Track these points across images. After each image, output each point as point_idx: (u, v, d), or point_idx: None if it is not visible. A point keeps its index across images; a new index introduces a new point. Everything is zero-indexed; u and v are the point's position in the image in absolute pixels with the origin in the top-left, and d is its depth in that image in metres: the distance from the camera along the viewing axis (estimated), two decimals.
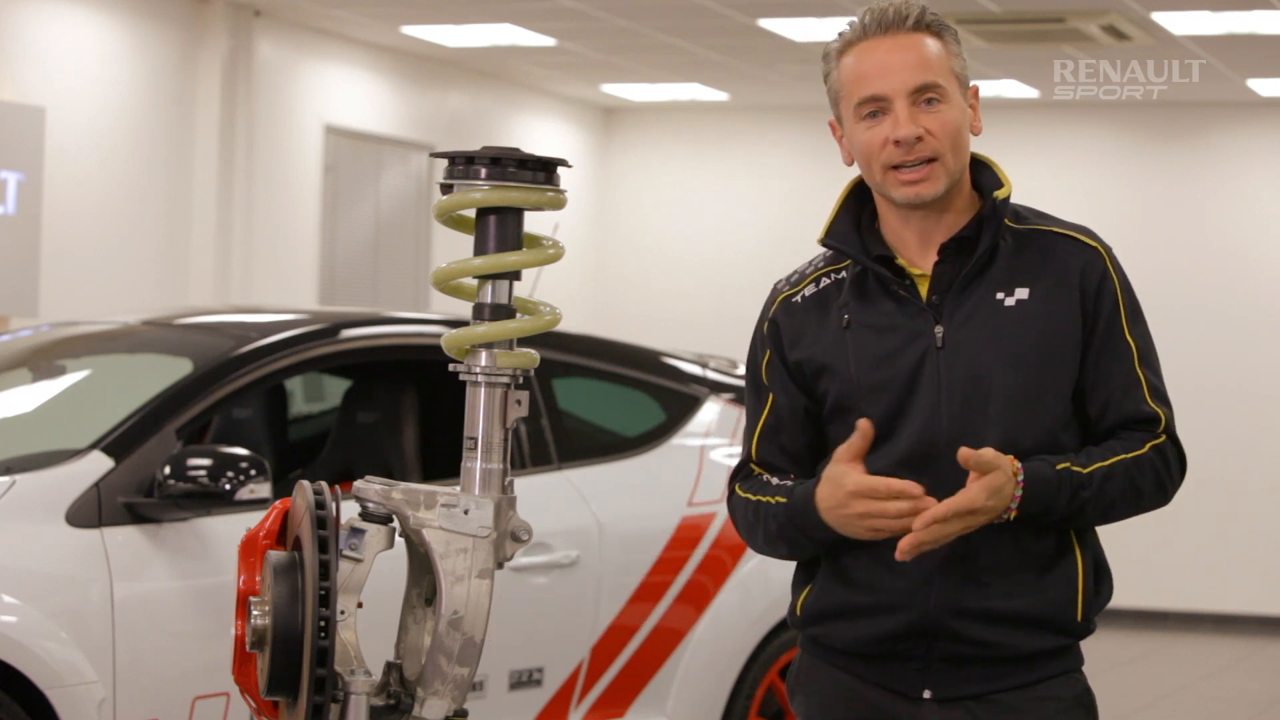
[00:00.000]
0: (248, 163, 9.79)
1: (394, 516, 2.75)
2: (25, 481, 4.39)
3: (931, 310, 2.75)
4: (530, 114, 12.42)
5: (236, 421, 5.69)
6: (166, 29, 9.49)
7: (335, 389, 6.03)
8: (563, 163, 2.78)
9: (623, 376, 5.56)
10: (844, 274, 2.83)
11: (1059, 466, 2.68)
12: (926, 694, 2.76)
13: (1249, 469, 11.66)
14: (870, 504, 2.64)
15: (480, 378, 2.76)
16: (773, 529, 2.78)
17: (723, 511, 5.19)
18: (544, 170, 2.76)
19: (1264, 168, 11.93)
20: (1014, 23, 9.39)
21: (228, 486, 4.42)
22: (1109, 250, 2.79)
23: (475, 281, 2.79)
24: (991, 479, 2.63)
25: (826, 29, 9.61)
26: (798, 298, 2.85)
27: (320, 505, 2.65)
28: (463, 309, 2.90)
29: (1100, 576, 2.80)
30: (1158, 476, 2.75)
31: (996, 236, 2.76)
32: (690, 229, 12.99)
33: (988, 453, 2.63)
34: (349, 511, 2.73)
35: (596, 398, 5.60)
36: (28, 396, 5.20)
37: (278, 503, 2.82)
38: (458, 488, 2.76)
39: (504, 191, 2.73)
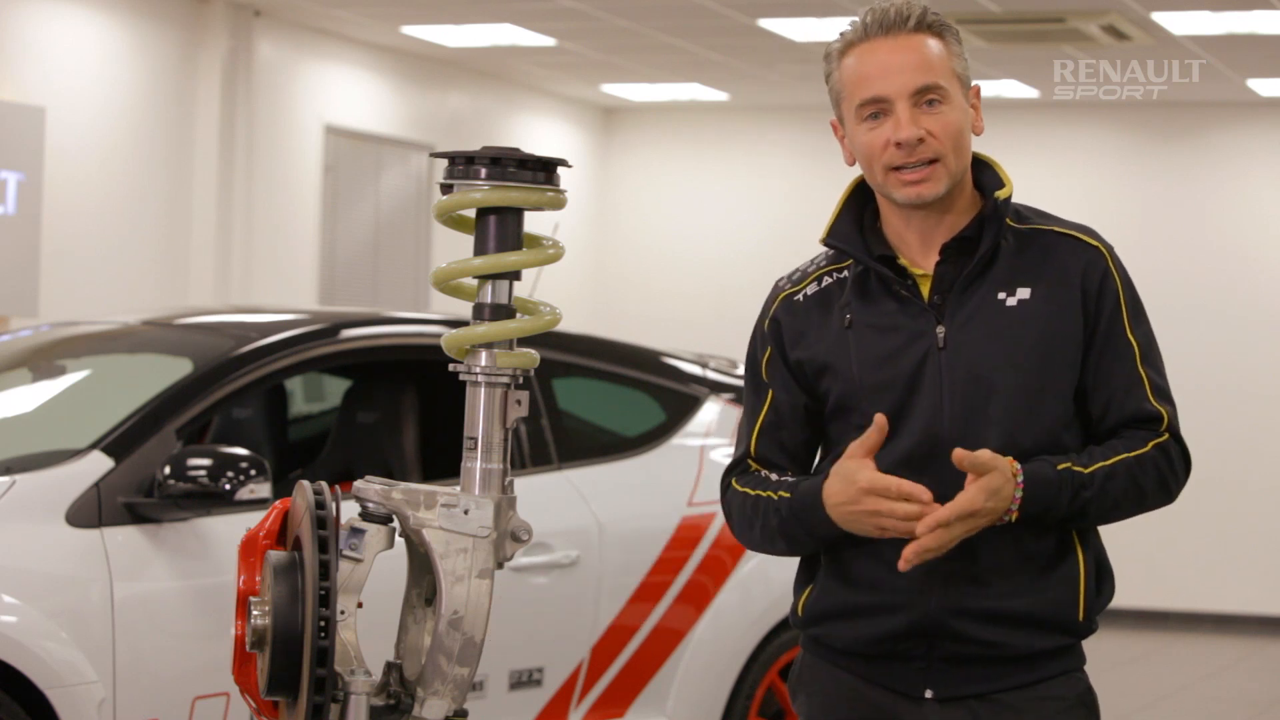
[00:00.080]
0: (248, 163, 9.79)
1: (394, 516, 2.75)
2: (25, 481, 4.39)
3: (933, 310, 2.75)
4: (530, 114, 12.42)
5: (236, 421, 5.69)
6: (166, 29, 9.49)
7: (335, 389, 6.03)
8: (563, 163, 2.78)
9: (623, 376, 5.56)
10: (846, 273, 2.83)
11: (1060, 467, 2.68)
12: (928, 694, 2.76)
13: (1249, 469, 11.66)
14: (881, 502, 2.64)
15: (480, 378, 2.76)
16: (773, 524, 2.78)
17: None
18: (544, 170, 2.75)
19: (1264, 168, 11.93)
20: (1014, 23, 9.39)
21: (228, 486, 4.41)
22: (1110, 249, 2.79)
23: (475, 281, 2.79)
24: (989, 480, 2.63)
25: (826, 29, 9.61)
26: (799, 296, 2.85)
27: (320, 505, 2.65)
28: (463, 309, 2.90)
29: (1102, 576, 2.80)
30: (1161, 475, 2.75)
31: (998, 236, 2.76)
32: (690, 229, 12.99)
33: (984, 454, 2.63)
34: (349, 511, 2.73)
35: (596, 398, 5.60)
36: (28, 396, 5.20)
37: (278, 503, 2.82)
38: (458, 488, 2.75)
39: (504, 191, 2.73)
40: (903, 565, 2.64)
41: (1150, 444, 2.74)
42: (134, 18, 9.30)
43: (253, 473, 4.45)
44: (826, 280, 2.84)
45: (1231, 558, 11.71)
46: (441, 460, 5.34)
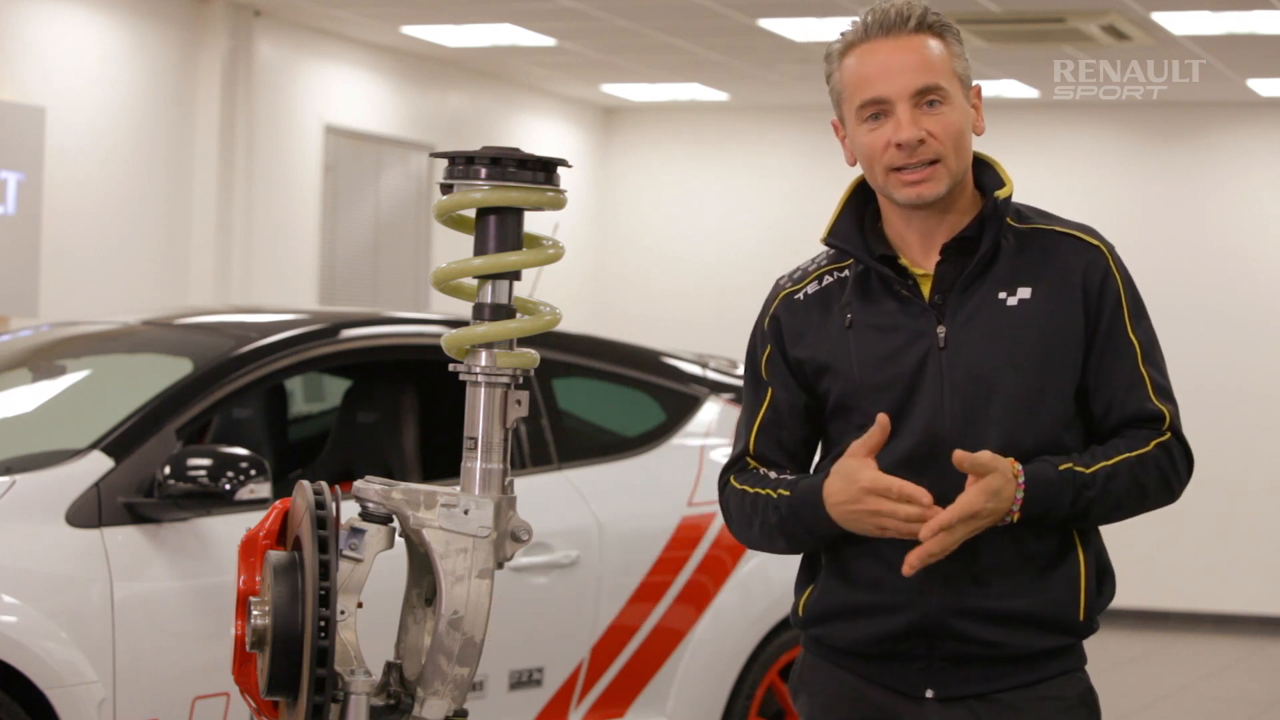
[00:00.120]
0: (248, 163, 9.79)
1: (394, 516, 2.75)
2: (25, 481, 4.39)
3: (934, 310, 2.75)
4: (530, 114, 12.42)
5: (236, 421, 5.69)
6: (166, 29, 9.49)
7: (335, 389, 6.03)
8: (563, 163, 2.78)
9: (623, 376, 5.55)
10: (847, 273, 2.83)
11: (1061, 467, 2.68)
12: (929, 693, 2.76)
13: (1249, 469, 11.66)
14: (882, 503, 2.64)
15: (480, 378, 2.76)
16: (772, 521, 2.78)
17: None
18: (544, 170, 2.75)
19: (1264, 168, 11.93)
20: (1014, 23, 9.39)
21: (228, 486, 4.41)
22: (1111, 248, 2.79)
23: (475, 281, 2.79)
24: (988, 481, 2.63)
25: (826, 29, 9.61)
26: (800, 295, 2.85)
27: (320, 505, 2.65)
28: (463, 309, 2.90)
29: (1103, 576, 2.80)
30: (1163, 474, 2.75)
31: (998, 236, 2.76)
32: (690, 229, 12.99)
33: (984, 455, 2.63)
34: (349, 511, 2.73)
35: (596, 398, 5.60)
36: (28, 396, 5.20)
37: (278, 503, 2.81)
38: (458, 488, 2.75)
39: (504, 191, 2.73)
40: (907, 570, 2.64)
41: (1152, 443, 2.74)
42: (134, 18, 9.30)
43: (253, 473, 4.45)
44: (827, 279, 2.84)
45: (1231, 558, 11.71)
46: (441, 460, 5.34)
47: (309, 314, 5.23)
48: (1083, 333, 2.74)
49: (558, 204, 2.77)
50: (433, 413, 5.45)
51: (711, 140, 13.00)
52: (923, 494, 2.63)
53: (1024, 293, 2.74)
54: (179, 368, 4.79)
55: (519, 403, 2.78)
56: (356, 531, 2.73)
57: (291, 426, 6.01)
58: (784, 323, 2.84)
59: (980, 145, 2.83)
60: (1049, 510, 2.68)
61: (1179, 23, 9.32)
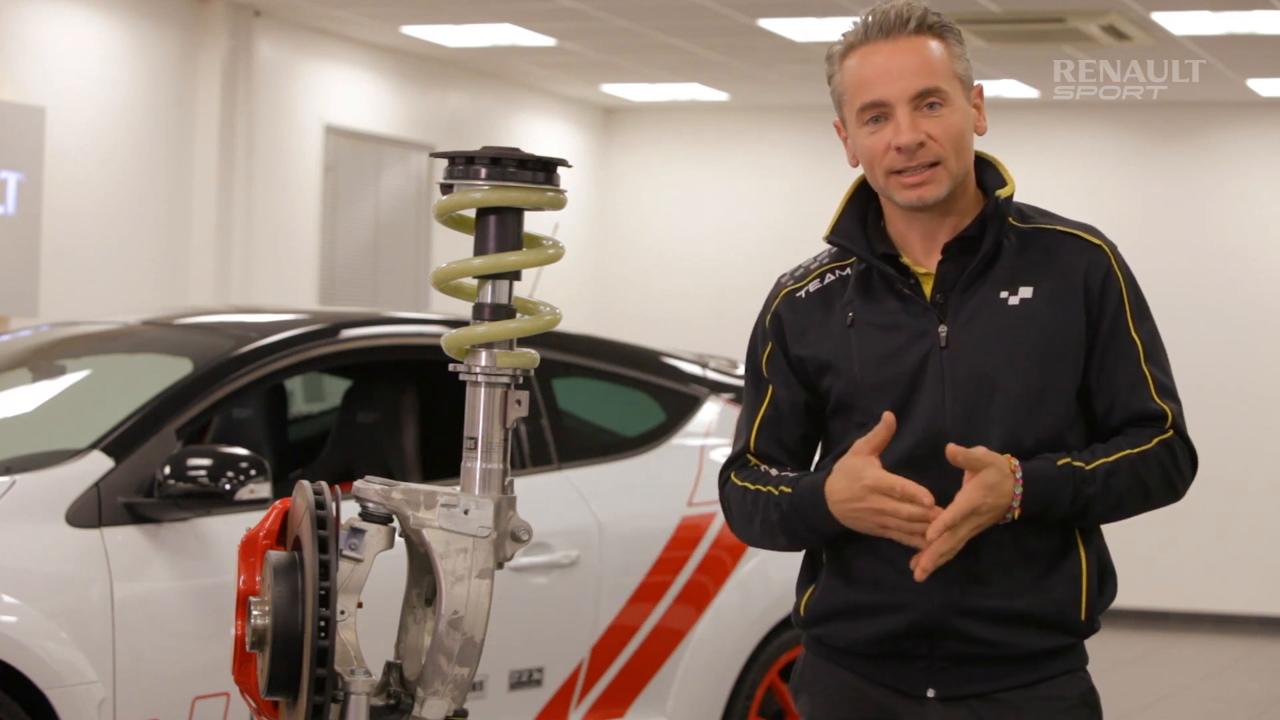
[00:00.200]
0: (248, 163, 9.79)
1: (394, 516, 2.75)
2: (25, 481, 4.39)
3: (935, 309, 2.75)
4: (530, 114, 12.42)
5: (236, 421, 5.69)
6: (166, 29, 9.49)
7: (335, 389, 6.03)
8: (563, 163, 2.78)
9: (623, 376, 5.55)
10: (849, 271, 2.83)
11: (1060, 463, 2.68)
12: (930, 693, 2.76)
13: (1249, 469, 11.66)
14: (885, 501, 2.64)
15: (480, 378, 2.76)
16: (773, 519, 2.78)
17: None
18: (544, 170, 2.75)
19: (1264, 168, 11.93)
20: (1014, 23, 9.39)
21: (228, 486, 4.41)
22: (1113, 248, 2.79)
23: (475, 281, 2.79)
24: (984, 476, 2.63)
25: (826, 29, 9.61)
26: (802, 293, 2.85)
27: (320, 505, 2.65)
28: (463, 309, 2.90)
29: (1104, 576, 2.80)
30: (1165, 472, 2.75)
31: (1000, 235, 2.76)
32: (690, 229, 12.99)
33: (978, 450, 2.63)
34: (349, 511, 2.73)
35: (596, 398, 5.60)
36: (28, 396, 5.20)
37: (278, 503, 2.81)
38: (458, 488, 2.75)
39: (504, 191, 2.73)
40: (920, 575, 2.64)
41: (1155, 441, 2.74)
42: (134, 18, 9.29)
43: (253, 473, 4.45)
44: (829, 278, 2.84)
45: (1231, 558, 11.71)
46: (441, 460, 5.34)
47: (309, 314, 5.23)
48: (1084, 332, 2.74)
49: (558, 204, 2.77)
50: (433, 413, 5.45)
51: (711, 140, 13.00)
52: (924, 494, 2.63)
53: (1026, 292, 2.74)
54: (179, 368, 4.79)
55: (519, 403, 2.78)
56: (356, 531, 2.73)
57: (291, 426, 6.01)
58: (785, 320, 2.84)
59: (980, 145, 2.83)
60: (1049, 506, 2.67)
61: (1179, 23, 9.32)
